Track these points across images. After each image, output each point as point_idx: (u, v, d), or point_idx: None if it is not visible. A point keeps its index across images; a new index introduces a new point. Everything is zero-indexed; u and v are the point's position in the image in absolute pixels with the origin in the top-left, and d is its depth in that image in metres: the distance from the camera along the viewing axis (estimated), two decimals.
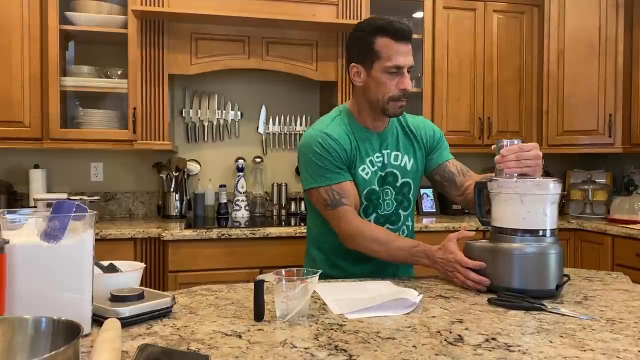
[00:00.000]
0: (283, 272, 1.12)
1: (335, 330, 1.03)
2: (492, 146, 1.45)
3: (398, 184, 1.64)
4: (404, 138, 1.66)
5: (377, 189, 1.61)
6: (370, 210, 1.62)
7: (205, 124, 3.31)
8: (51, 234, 0.93)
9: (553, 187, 1.30)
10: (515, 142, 1.38)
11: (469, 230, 1.50)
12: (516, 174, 1.34)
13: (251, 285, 1.22)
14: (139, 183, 3.28)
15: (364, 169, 1.58)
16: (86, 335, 0.97)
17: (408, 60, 1.51)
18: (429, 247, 1.48)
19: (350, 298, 1.25)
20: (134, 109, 2.86)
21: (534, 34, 3.47)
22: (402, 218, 1.67)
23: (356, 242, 1.54)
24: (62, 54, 2.88)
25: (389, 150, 1.63)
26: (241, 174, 3.24)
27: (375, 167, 1.60)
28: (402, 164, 1.64)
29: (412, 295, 1.20)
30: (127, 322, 1.02)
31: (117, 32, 2.88)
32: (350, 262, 1.63)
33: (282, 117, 3.42)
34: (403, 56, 1.50)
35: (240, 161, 3.26)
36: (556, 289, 1.27)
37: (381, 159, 1.61)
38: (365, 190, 1.59)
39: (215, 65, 2.95)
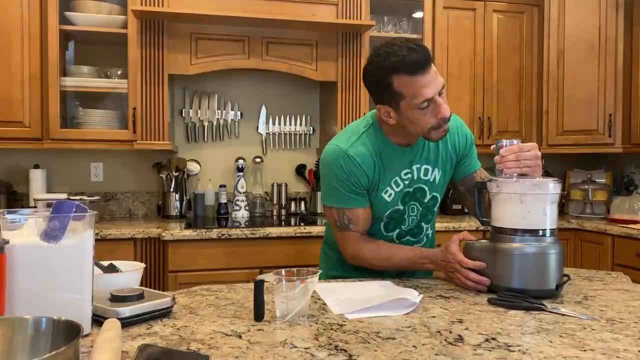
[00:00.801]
0: (283, 272, 1.12)
1: (335, 331, 1.03)
2: (492, 146, 1.45)
3: (426, 200, 1.58)
4: (435, 148, 1.55)
5: (402, 207, 1.56)
6: (392, 227, 1.59)
7: (205, 124, 3.31)
8: (51, 234, 0.93)
9: (553, 187, 1.31)
10: (515, 142, 1.38)
11: (471, 232, 1.50)
12: (516, 174, 1.35)
13: (251, 285, 1.22)
14: (139, 183, 3.28)
15: (386, 192, 1.51)
16: (86, 336, 0.97)
17: (436, 86, 1.35)
18: (432, 251, 1.49)
19: (350, 298, 1.25)
20: (134, 109, 2.86)
21: (534, 34, 3.47)
22: (423, 230, 1.65)
23: (358, 261, 1.56)
24: (62, 54, 2.88)
25: (418, 165, 1.54)
26: (241, 174, 3.24)
27: (401, 186, 1.52)
28: (432, 179, 1.56)
29: (412, 295, 1.20)
30: (127, 322, 1.02)
31: (117, 32, 2.88)
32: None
33: (282, 117, 3.42)
34: (428, 87, 1.34)
35: (240, 161, 3.26)
36: (556, 289, 1.27)
37: (410, 175, 1.53)
38: (388, 211, 1.55)
39: (215, 65, 2.95)
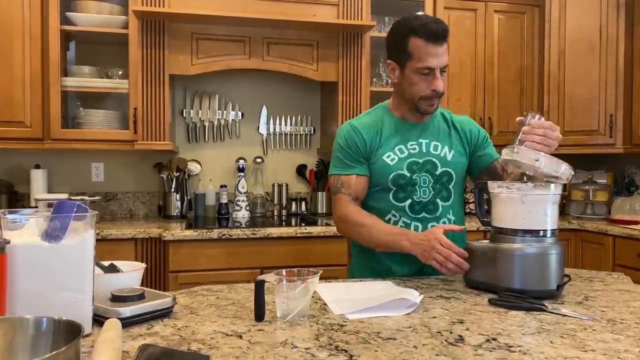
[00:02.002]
0: (284, 273, 1.12)
1: (336, 331, 1.03)
2: (518, 119, 1.40)
3: (437, 172, 1.62)
4: (446, 130, 1.68)
5: (408, 174, 1.60)
6: (401, 196, 1.61)
7: (206, 124, 3.32)
8: (52, 234, 0.93)
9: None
10: (542, 118, 1.36)
11: (472, 233, 1.51)
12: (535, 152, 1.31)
13: (252, 285, 1.23)
14: (140, 183, 3.28)
15: (389, 156, 1.60)
16: (87, 335, 0.97)
17: (440, 61, 1.52)
18: (412, 232, 1.53)
19: (351, 298, 1.25)
20: (135, 109, 2.86)
21: (535, 34, 3.47)
22: (440, 208, 1.64)
23: (343, 226, 1.64)
24: (63, 54, 2.88)
25: (427, 140, 1.64)
26: (242, 174, 3.24)
27: (406, 154, 1.61)
28: (442, 154, 1.64)
29: (413, 295, 1.20)
30: (127, 322, 1.02)
31: (117, 33, 2.88)
32: (390, 258, 1.61)
33: (283, 118, 3.42)
34: (434, 57, 1.50)
35: (241, 161, 3.26)
36: (557, 289, 1.27)
37: (416, 147, 1.62)
38: (392, 175, 1.60)
39: (216, 66, 2.95)
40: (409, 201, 1.62)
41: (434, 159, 1.63)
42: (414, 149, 1.62)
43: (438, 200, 1.64)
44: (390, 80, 1.65)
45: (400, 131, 1.64)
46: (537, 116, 1.37)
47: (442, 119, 1.70)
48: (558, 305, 1.20)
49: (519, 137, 1.36)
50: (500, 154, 1.40)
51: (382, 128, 1.63)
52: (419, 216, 1.62)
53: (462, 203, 1.73)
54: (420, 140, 1.63)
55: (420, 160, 1.62)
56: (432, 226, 1.61)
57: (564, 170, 1.30)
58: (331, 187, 1.67)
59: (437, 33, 1.50)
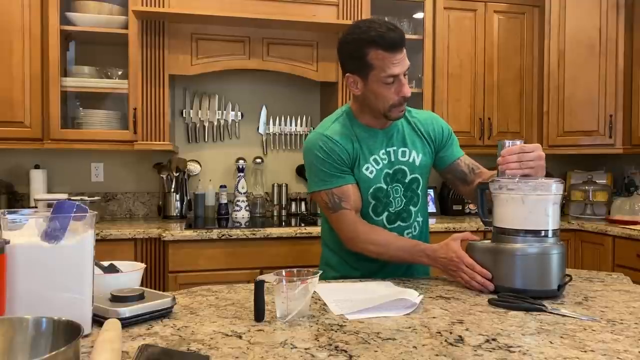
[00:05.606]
0: (283, 273, 1.12)
1: (336, 331, 1.03)
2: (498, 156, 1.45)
3: (407, 180, 1.61)
4: (410, 133, 1.63)
5: (385, 187, 1.58)
6: (380, 209, 1.60)
7: (206, 124, 3.32)
8: (52, 235, 0.93)
9: (555, 188, 1.30)
10: (518, 142, 1.38)
11: (472, 233, 1.51)
12: (518, 175, 1.34)
13: (251, 285, 1.23)
14: (140, 183, 3.28)
15: (367, 168, 1.56)
16: (86, 336, 0.97)
17: (403, 67, 1.48)
18: (429, 245, 1.50)
19: (351, 299, 1.25)
20: (135, 109, 2.86)
21: (535, 35, 3.47)
22: (412, 214, 1.65)
23: (356, 244, 1.55)
24: (62, 55, 2.88)
25: (395, 147, 1.60)
26: (241, 174, 3.24)
27: (381, 165, 1.58)
28: (411, 160, 1.61)
29: (413, 295, 1.20)
30: (127, 323, 1.02)
31: (117, 33, 2.88)
32: (365, 260, 1.59)
33: (283, 118, 3.42)
34: (398, 66, 1.46)
35: (241, 162, 3.26)
36: (558, 289, 1.27)
37: (387, 156, 1.59)
38: (371, 189, 1.57)
39: (216, 66, 2.95)
40: (386, 213, 1.61)
41: (403, 167, 1.60)
42: (385, 158, 1.59)
43: (410, 207, 1.64)
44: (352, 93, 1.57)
45: (370, 140, 1.58)
46: (509, 142, 1.40)
47: (404, 120, 1.64)
48: (558, 306, 1.20)
49: (499, 168, 1.40)
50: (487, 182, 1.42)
51: (356, 137, 1.57)
52: (394, 225, 1.62)
53: (426, 199, 1.73)
54: (388, 149, 1.59)
55: (391, 170, 1.59)
56: (407, 233, 1.64)
57: (553, 189, 1.32)
58: (325, 204, 1.55)
59: (395, 42, 1.44)
